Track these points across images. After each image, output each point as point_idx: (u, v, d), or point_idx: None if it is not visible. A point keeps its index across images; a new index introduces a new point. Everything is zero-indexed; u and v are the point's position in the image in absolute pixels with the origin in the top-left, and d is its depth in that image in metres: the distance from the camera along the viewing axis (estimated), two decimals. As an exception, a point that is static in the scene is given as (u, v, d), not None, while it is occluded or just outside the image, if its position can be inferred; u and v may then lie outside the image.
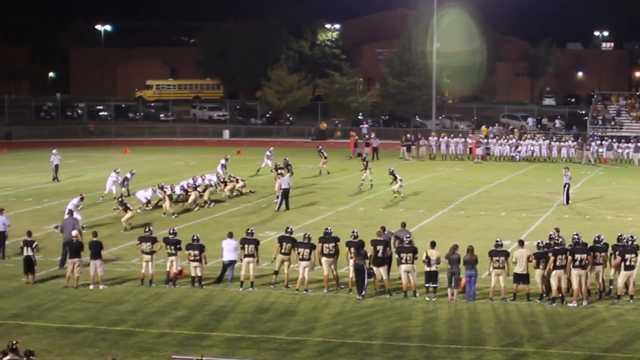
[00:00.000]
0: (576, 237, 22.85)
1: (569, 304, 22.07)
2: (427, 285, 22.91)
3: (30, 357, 14.08)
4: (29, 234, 25.02)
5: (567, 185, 38.48)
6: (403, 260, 22.78)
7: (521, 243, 23.33)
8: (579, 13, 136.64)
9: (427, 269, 22.82)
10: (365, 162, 43.72)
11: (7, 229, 27.17)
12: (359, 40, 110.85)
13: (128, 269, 25.71)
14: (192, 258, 23.67)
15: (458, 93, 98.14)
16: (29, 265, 24.16)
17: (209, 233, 29.59)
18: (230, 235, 24.52)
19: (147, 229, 24.93)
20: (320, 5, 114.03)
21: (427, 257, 22.79)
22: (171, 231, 24.69)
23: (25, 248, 24.16)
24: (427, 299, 22.62)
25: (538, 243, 23.19)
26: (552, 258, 22.22)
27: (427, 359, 18.24)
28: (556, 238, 23.57)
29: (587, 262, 22.26)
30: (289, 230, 24.48)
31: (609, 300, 22.66)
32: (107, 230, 30.65)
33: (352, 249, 23.21)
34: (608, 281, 23.23)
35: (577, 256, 22.12)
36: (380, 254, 23.04)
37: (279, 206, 36.10)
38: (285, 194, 36.19)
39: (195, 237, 24.05)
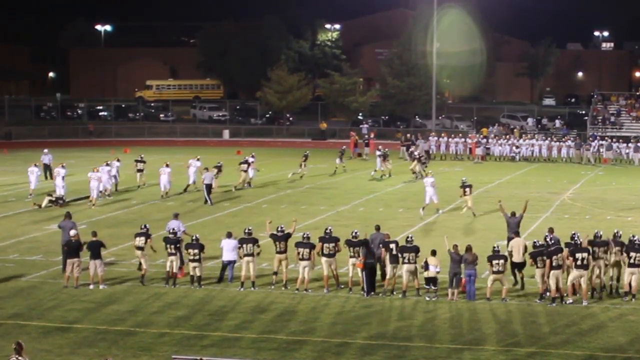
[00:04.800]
0: (575, 236, 22.95)
1: (567, 302, 22.08)
2: (427, 286, 22.92)
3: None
4: None
5: None
6: (406, 260, 22.81)
7: (517, 234, 23.87)
8: (579, 13, 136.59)
9: (426, 274, 22.79)
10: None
11: (182, 234, 25.59)
12: (359, 40, 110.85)
13: (128, 269, 25.70)
14: (191, 257, 23.67)
15: (458, 93, 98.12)
16: None
17: (209, 233, 29.57)
18: (229, 235, 24.49)
19: (143, 226, 25.06)
20: (320, 5, 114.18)
21: (426, 263, 22.77)
22: (171, 230, 24.71)
23: None
24: (427, 299, 22.63)
25: (534, 242, 23.24)
26: (547, 261, 22.28)
27: (427, 359, 18.24)
28: (551, 239, 23.65)
29: (588, 261, 22.29)
30: (279, 229, 24.43)
31: (610, 300, 22.65)
32: (107, 230, 30.62)
33: (353, 249, 23.32)
34: (608, 279, 23.28)
35: (578, 255, 22.13)
36: (394, 252, 23.26)
37: (206, 200, 37.68)
38: (208, 189, 37.74)
39: (194, 237, 24.04)
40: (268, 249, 27.55)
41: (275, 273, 24.00)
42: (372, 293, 23.04)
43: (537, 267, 22.57)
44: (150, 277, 24.61)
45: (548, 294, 22.43)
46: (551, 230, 24.40)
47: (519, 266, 23.65)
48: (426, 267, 22.75)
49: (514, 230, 26.01)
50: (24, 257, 26.94)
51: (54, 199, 36.83)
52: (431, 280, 22.79)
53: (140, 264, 24.27)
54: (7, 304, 22.05)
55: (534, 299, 22.49)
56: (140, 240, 24.28)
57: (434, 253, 23.07)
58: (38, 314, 21.20)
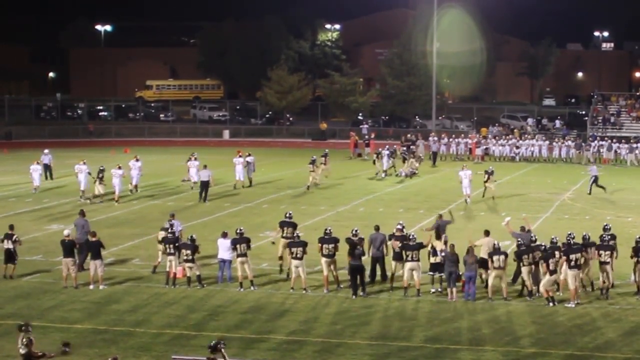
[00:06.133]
0: (569, 237, 23.09)
1: (566, 305, 22.08)
2: (431, 273, 22.94)
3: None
4: (11, 227, 25.18)
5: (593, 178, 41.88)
6: (409, 258, 22.83)
7: (487, 233, 23.88)
8: (579, 13, 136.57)
9: (432, 259, 22.85)
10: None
11: (179, 233, 25.90)
12: (359, 40, 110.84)
13: (128, 269, 25.72)
14: (185, 258, 23.65)
15: (458, 93, 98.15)
16: (10, 257, 24.52)
17: (209, 233, 29.56)
18: (225, 235, 24.43)
19: (170, 217, 26.21)
20: (320, 5, 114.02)
21: (433, 248, 22.86)
22: (169, 230, 24.70)
23: (5, 241, 24.54)
24: (432, 290, 22.71)
25: (518, 242, 23.28)
26: (544, 264, 22.43)
27: (427, 358, 18.25)
28: (527, 233, 23.92)
29: (581, 262, 22.36)
30: (287, 215, 24.95)
31: (609, 300, 22.66)
32: (107, 230, 30.61)
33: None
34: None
35: (572, 256, 22.18)
36: (397, 250, 23.50)
37: (200, 197, 38.39)
38: (205, 185, 38.46)
39: (190, 237, 24.03)
40: (267, 249, 27.60)
41: (281, 257, 24.56)
42: (362, 294, 22.74)
43: (524, 266, 22.66)
44: (150, 277, 24.64)
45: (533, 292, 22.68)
46: (522, 229, 24.52)
47: (483, 264, 23.08)
48: (434, 252, 22.78)
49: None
50: (24, 257, 26.86)
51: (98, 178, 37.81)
52: (437, 267, 22.77)
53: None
54: (7, 304, 22.06)
55: (532, 298, 22.52)
56: (161, 235, 24.95)
57: (438, 237, 23.10)
58: (38, 314, 21.19)
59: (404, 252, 23.06)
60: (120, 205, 37.33)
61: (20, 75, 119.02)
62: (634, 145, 57.67)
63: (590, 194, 41.40)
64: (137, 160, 41.37)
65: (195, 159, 42.23)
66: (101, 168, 38.68)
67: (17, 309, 21.60)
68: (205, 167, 39.57)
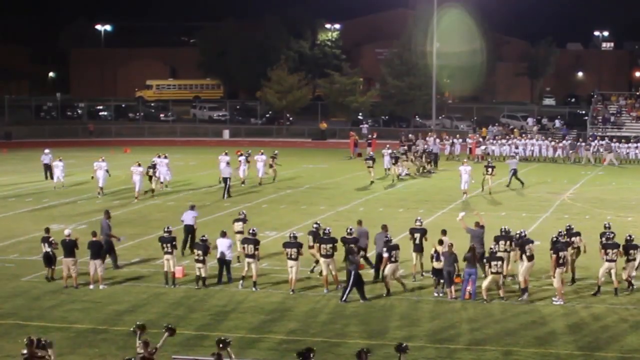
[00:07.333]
0: (561, 232, 23.31)
1: (554, 301, 22.13)
2: (434, 277, 22.98)
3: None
4: (47, 230, 25.12)
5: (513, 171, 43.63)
6: (393, 259, 22.83)
7: (444, 232, 24.12)
8: (579, 13, 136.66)
9: (436, 264, 22.84)
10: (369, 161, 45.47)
11: (195, 223, 27.87)
12: (359, 40, 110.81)
13: (128, 269, 25.73)
14: (196, 257, 23.64)
15: (458, 93, 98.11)
16: (48, 260, 24.40)
17: (210, 233, 29.46)
18: (224, 234, 24.43)
19: (240, 212, 27.30)
20: (320, 5, 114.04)
21: (436, 252, 22.84)
22: (166, 229, 24.65)
23: (43, 244, 24.43)
24: (435, 294, 22.71)
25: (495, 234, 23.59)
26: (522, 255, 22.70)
27: (427, 359, 18.26)
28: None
29: (566, 258, 22.51)
30: (315, 226, 25.15)
31: (610, 299, 22.69)
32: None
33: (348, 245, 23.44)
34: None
35: (562, 254, 22.26)
36: (417, 242, 24.21)
37: (226, 193, 39.38)
38: (225, 182, 39.64)
39: (203, 237, 24.03)
40: (267, 249, 27.61)
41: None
42: (343, 301, 22.39)
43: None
44: (150, 277, 24.64)
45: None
46: (477, 224, 24.67)
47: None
48: (437, 257, 22.77)
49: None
50: (24, 257, 26.94)
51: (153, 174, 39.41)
52: (438, 273, 22.76)
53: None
54: (7, 304, 22.07)
55: (534, 299, 22.54)
56: (238, 225, 25.97)
57: (441, 242, 23.11)
58: (38, 314, 21.20)
59: (388, 253, 23.01)
60: (121, 204, 37.36)
61: (20, 75, 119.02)
62: (612, 145, 57.82)
63: (509, 186, 43.24)
64: (165, 157, 42.19)
65: (226, 154, 43.14)
66: (153, 163, 39.50)
67: (17, 309, 21.61)
68: (227, 164, 40.61)
